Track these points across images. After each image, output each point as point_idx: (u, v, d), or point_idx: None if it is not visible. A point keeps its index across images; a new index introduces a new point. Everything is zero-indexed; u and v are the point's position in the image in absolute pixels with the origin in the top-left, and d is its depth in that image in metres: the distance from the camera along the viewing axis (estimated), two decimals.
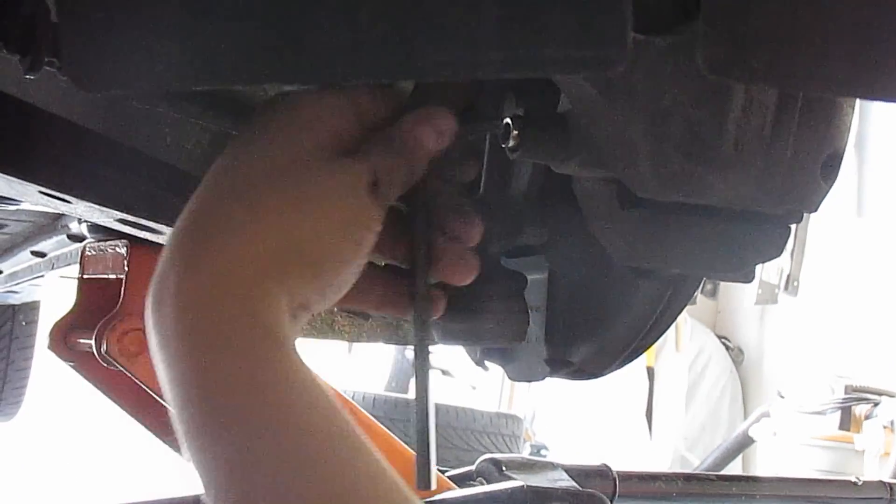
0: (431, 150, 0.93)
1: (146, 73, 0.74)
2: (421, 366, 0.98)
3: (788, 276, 6.16)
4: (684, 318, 6.59)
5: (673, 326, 1.30)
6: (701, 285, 1.38)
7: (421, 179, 0.94)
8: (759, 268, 1.12)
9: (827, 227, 5.77)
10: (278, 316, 0.79)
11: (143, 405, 1.96)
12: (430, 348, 0.99)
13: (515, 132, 1.04)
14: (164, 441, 1.95)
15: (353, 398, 4.18)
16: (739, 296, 6.95)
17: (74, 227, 2.11)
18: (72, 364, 1.98)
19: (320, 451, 0.75)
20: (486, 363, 1.49)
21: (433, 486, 0.96)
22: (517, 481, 1.77)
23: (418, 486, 0.96)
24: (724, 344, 7.11)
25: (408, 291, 1.00)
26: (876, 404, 4.65)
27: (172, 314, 0.77)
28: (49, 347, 1.98)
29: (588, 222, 1.11)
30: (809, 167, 1.02)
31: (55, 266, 2.51)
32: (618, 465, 2.01)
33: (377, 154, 0.89)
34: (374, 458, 0.78)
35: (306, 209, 0.83)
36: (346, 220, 0.85)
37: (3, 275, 3.00)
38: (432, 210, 0.99)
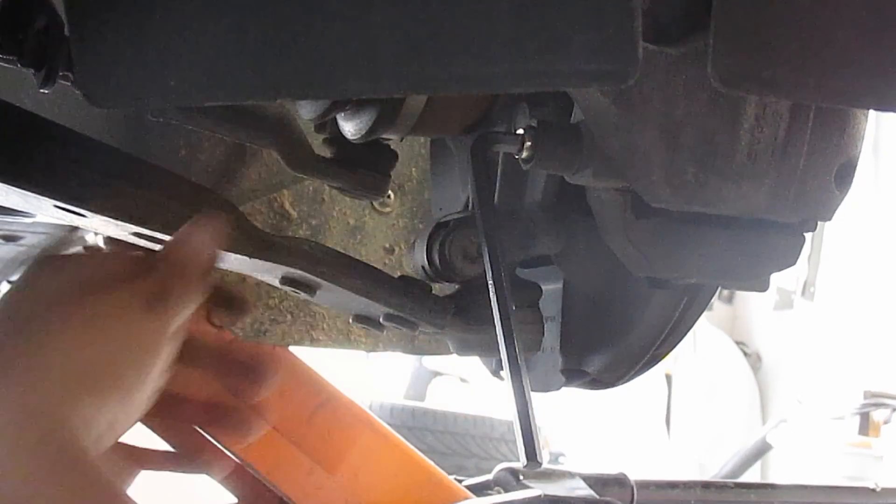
0: (202, 261, 0.94)
1: (159, 89, 0.74)
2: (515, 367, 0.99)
3: (805, 282, 6.15)
4: (701, 324, 6.57)
5: (690, 332, 1.29)
6: (717, 291, 1.38)
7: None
8: (775, 273, 1.12)
9: (844, 231, 5.75)
10: (75, 439, 0.78)
11: (157, 412, 1.96)
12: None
13: (529, 143, 1.04)
14: (172, 447, 1.95)
15: (370, 407, 4.19)
16: (756, 301, 6.93)
17: (90, 240, 2.11)
18: None
19: None
20: (502, 373, 1.49)
21: (542, 461, 0.99)
22: (535, 490, 1.76)
23: (528, 459, 0.99)
24: (741, 349, 7.08)
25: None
26: (895, 409, 4.63)
27: None
28: None
29: (602, 232, 1.11)
30: (823, 176, 1.02)
31: None
32: (636, 472, 2.00)
33: (146, 276, 0.89)
34: None
35: (86, 337, 0.82)
36: (126, 342, 0.85)
37: None
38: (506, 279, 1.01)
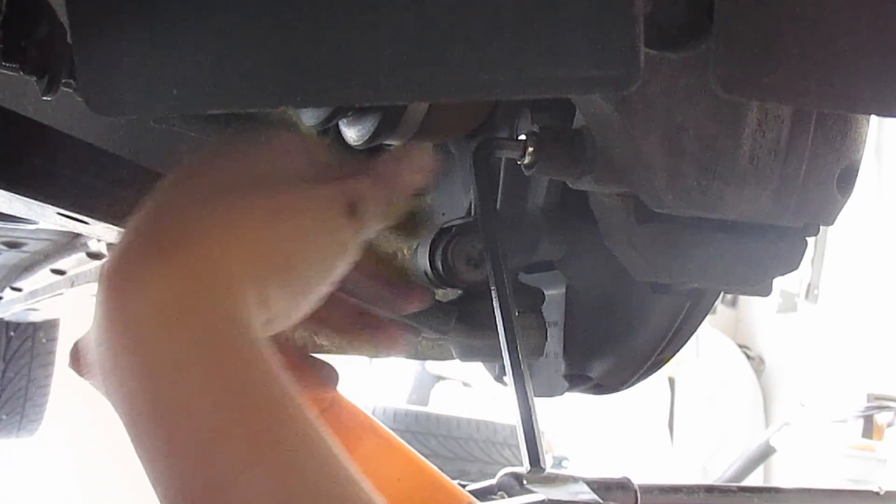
0: (409, 184, 0.92)
1: (161, 96, 0.74)
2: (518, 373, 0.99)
3: (809, 285, 6.15)
4: (704, 327, 6.57)
5: (693, 335, 1.29)
6: (721, 295, 1.38)
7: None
8: (778, 277, 1.12)
9: (846, 234, 5.75)
10: (251, 320, 0.76)
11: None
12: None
13: (531, 149, 1.04)
14: None
15: (373, 412, 4.19)
16: (760, 305, 6.93)
17: (93, 245, 2.12)
18: (92, 381, 1.99)
19: (298, 446, 0.73)
20: (506, 379, 1.49)
21: (545, 466, 0.99)
22: (538, 495, 1.76)
23: (531, 464, 1.01)
24: (744, 353, 7.08)
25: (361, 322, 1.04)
26: None
27: (143, 303, 0.73)
28: (70, 365, 1.98)
29: (605, 237, 1.11)
30: (825, 180, 1.02)
31: (75, 284, 2.52)
32: (639, 476, 2.00)
33: (354, 181, 0.87)
34: (346, 463, 0.76)
35: (282, 222, 0.81)
36: (320, 239, 0.84)
37: (23, 293, 3.01)
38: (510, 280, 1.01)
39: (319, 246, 0.84)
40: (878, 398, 4.70)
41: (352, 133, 1.17)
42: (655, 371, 1.33)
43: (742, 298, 7.24)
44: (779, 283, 1.11)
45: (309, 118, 1.17)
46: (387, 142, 1.19)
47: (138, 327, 0.73)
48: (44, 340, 4.26)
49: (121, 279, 0.75)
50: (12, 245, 2.43)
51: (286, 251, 0.81)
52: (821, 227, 1.10)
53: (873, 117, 1.07)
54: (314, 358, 1.08)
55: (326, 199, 0.85)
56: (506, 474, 1.94)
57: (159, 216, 0.80)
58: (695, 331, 1.29)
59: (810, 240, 1.11)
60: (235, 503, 0.69)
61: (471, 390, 6.93)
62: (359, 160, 0.92)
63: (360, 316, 1.04)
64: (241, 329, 0.75)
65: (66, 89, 0.99)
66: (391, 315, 1.06)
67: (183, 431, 0.71)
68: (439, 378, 6.81)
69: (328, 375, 1.11)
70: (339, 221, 0.85)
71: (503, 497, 1.88)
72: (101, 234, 1.25)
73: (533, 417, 1.00)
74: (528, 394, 1.03)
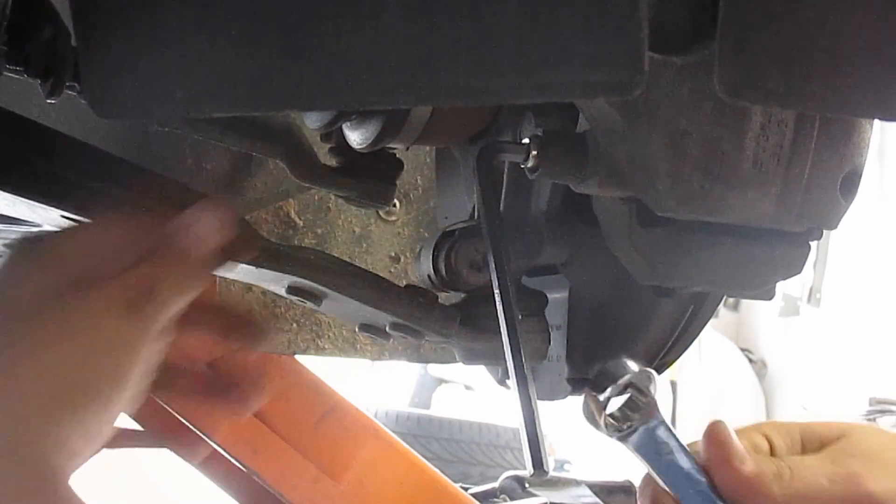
0: (206, 249, 0.82)
1: (165, 100, 0.74)
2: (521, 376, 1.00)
3: (811, 288, 6.14)
4: (707, 331, 6.56)
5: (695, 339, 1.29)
6: (723, 299, 1.38)
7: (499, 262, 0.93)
8: (781, 281, 1.12)
9: (849, 238, 5.75)
10: (48, 460, 0.71)
11: (167, 425, 1.96)
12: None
13: (534, 152, 1.04)
14: (185, 460, 1.96)
15: (375, 415, 4.19)
16: (762, 308, 6.92)
17: None
18: None
19: None
20: (509, 382, 1.49)
21: (548, 469, 0.98)
22: (540, 498, 1.77)
23: (534, 467, 0.98)
24: (747, 357, 7.08)
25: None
26: None
27: None
28: None
29: (608, 241, 1.11)
30: (828, 185, 1.02)
31: None
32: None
33: (135, 270, 0.78)
34: None
35: (51, 351, 0.73)
36: (100, 354, 0.75)
37: None
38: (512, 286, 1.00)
39: (103, 358, 0.76)
40: (880, 402, 4.69)
41: (355, 137, 1.17)
42: (658, 374, 1.33)
43: (744, 302, 7.22)
44: (781, 286, 1.11)
45: (312, 122, 1.17)
46: (390, 145, 1.19)
47: None
48: None
49: None
50: None
51: (71, 377, 0.74)
52: (823, 235, 1.10)
53: (876, 121, 1.07)
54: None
55: (98, 306, 0.76)
56: (508, 477, 1.95)
57: None
58: (698, 334, 1.29)
59: (813, 243, 1.11)
60: None
61: (473, 393, 6.92)
62: (152, 225, 0.83)
63: (207, 380, 0.96)
64: (46, 480, 0.71)
65: (70, 92, 0.99)
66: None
67: None
68: (441, 381, 6.80)
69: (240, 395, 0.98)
70: (114, 324, 0.76)
71: (505, 500, 1.88)
72: None
73: (536, 421, 1.00)
74: (531, 396, 1.03)
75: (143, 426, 1.99)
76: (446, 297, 1.26)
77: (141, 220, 0.83)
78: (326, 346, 1.74)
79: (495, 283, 1.02)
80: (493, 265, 1.06)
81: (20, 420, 0.71)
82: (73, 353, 0.74)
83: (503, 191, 1.26)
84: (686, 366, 6.77)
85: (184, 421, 1.77)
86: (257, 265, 1.07)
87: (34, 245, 0.83)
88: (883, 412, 4.67)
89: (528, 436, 0.98)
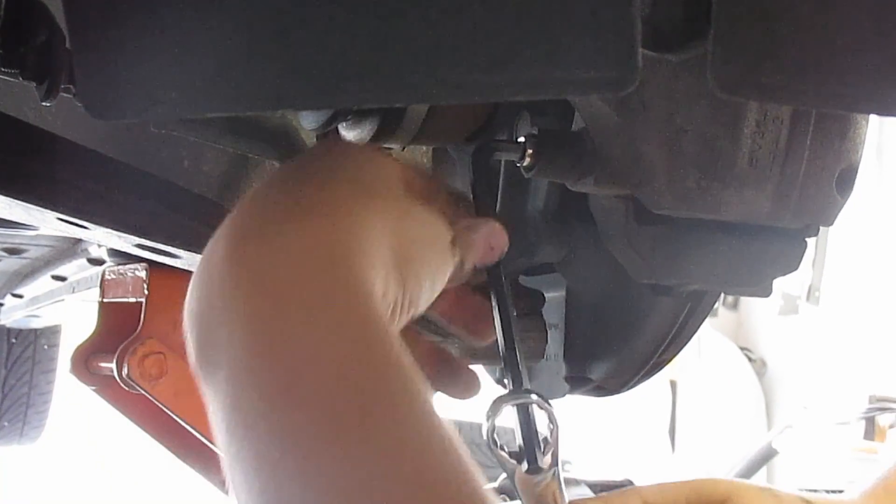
0: (486, 253, 0.94)
1: (160, 100, 0.74)
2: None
3: (810, 286, 6.14)
4: (706, 330, 6.56)
5: (695, 338, 1.29)
6: (722, 298, 1.38)
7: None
8: (780, 279, 1.12)
9: (848, 235, 5.75)
10: (380, 300, 0.75)
11: (165, 428, 1.96)
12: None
13: (530, 151, 1.04)
14: (186, 463, 1.95)
15: None
16: (761, 307, 6.92)
17: (94, 252, 2.12)
18: (93, 388, 1.99)
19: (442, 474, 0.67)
20: (506, 381, 1.48)
21: (543, 466, 0.97)
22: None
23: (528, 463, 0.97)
24: (746, 355, 7.08)
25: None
26: None
27: (281, 262, 0.71)
28: (71, 371, 1.99)
29: (605, 239, 1.11)
30: (824, 181, 1.02)
31: (76, 290, 2.51)
32: (641, 479, 2.00)
33: (453, 222, 0.90)
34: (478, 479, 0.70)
35: (407, 222, 0.82)
36: (434, 249, 0.85)
37: (24, 299, 3.01)
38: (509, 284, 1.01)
39: (433, 255, 0.85)
40: (880, 400, 4.68)
41: (351, 136, 1.17)
42: (656, 373, 1.33)
43: (743, 301, 7.23)
44: (780, 285, 1.12)
45: (308, 122, 1.17)
46: (387, 145, 1.19)
47: (275, 285, 0.70)
48: (45, 347, 4.26)
49: (254, 241, 0.73)
50: (13, 251, 2.43)
51: (408, 249, 0.81)
52: (821, 229, 1.10)
53: (873, 117, 1.07)
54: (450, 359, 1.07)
55: (440, 221, 0.87)
56: (507, 477, 1.94)
57: (291, 191, 0.80)
58: (695, 332, 1.29)
59: (811, 242, 1.11)
60: None
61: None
62: (450, 203, 0.96)
63: (438, 358, 1.04)
64: (373, 305, 0.73)
65: (65, 95, 0.99)
66: (463, 353, 1.07)
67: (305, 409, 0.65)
68: None
69: (469, 382, 1.09)
70: (447, 242, 0.87)
71: (505, 500, 1.88)
72: (102, 239, 1.25)
73: (531, 418, 1.00)
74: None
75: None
76: None
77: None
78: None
79: (491, 283, 1.02)
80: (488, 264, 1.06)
81: (368, 248, 0.76)
82: (417, 233, 0.84)
83: (499, 190, 1.26)
84: (685, 365, 6.77)
85: (181, 422, 1.77)
86: None
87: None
88: (882, 410, 4.66)
89: (522, 434, 0.98)
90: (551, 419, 0.91)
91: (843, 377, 5.72)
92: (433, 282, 0.85)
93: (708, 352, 6.83)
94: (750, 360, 7.09)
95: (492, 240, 0.94)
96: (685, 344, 1.29)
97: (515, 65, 0.69)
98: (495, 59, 0.69)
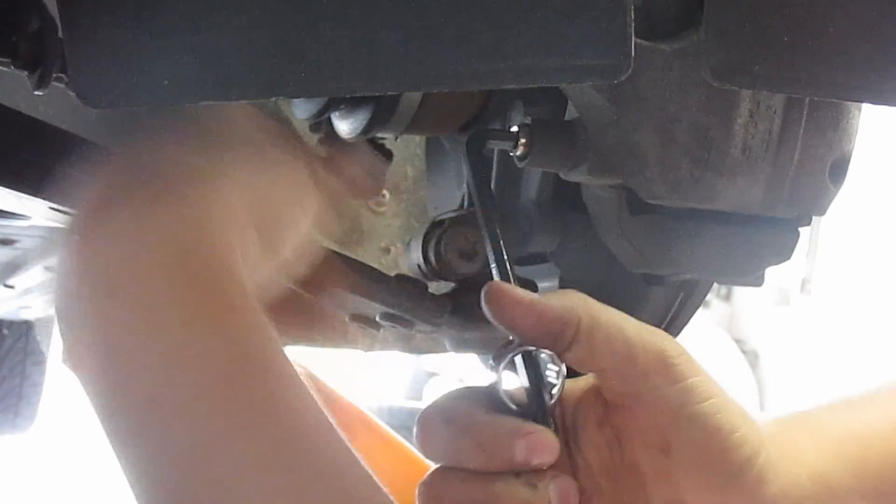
0: (358, 182, 1.01)
1: (153, 89, 0.74)
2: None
3: (803, 278, 6.16)
4: (699, 321, 6.56)
5: (687, 329, 1.29)
6: (715, 289, 1.38)
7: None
8: (773, 270, 1.12)
9: (841, 226, 5.76)
10: (240, 266, 0.74)
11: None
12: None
13: (523, 140, 1.04)
14: None
15: (368, 408, 4.19)
16: (754, 298, 6.93)
17: None
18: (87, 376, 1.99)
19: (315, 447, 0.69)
20: None
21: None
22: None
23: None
24: (739, 347, 7.08)
25: None
26: None
27: (135, 243, 0.70)
28: (62, 361, 1.98)
29: (598, 229, 1.11)
30: (817, 171, 1.02)
31: None
32: None
33: (312, 161, 0.94)
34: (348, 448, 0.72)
35: (262, 175, 0.84)
36: (293, 196, 0.87)
37: (16, 290, 3.00)
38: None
39: (292, 203, 0.86)
40: None
41: (344, 126, 1.17)
42: None
43: (736, 292, 7.24)
44: (773, 276, 1.12)
45: (301, 111, 1.17)
46: (380, 134, 1.19)
47: (131, 268, 0.70)
48: (38, 338, 4.25)
49: (107, 222, 0.73)
50: (4, 242, 2.42)
51: (266, 204, 0.82)
52: (814, 220, 1.10)
53: (866, 108, 1.07)
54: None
55: (298, 164, 0.89)
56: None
57: (139, 167, 0.79)
58: (688, 321, 1.29)
59: (804, 233, 1.11)
60: None
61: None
62: (309, 146, 0.99)
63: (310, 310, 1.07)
64: (235, 279, 0.73)
65: (57, 84, 0.99)
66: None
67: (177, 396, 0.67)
68: (432, 374, 6.81)
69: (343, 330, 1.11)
70: (307, 184, 0.89)
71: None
72: None
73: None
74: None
75: None
76: (437, 287, 1.26)
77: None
78: (317, 337, 1.73)
79: (493, 268, 1.02)
80: (489, 247, 1.05)
81: (222, 214, 0.76)
82: (273, 183, 0.85)
83: (492, 180, 1.26)
84: None
85: None
86: None
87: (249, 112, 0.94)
88: None
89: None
90: (554, 361, 0.90)
91: (836, 368, 5.72)
92: (295, 221, 0.87)
93: (701, 343, 6.84)
94: (743, 351, 7.09)
95: (353, 163, 1.01)
96: (678, 333, 1.29)
97: (509, 52, 0.69)
98: (489, 47, 0.69)
